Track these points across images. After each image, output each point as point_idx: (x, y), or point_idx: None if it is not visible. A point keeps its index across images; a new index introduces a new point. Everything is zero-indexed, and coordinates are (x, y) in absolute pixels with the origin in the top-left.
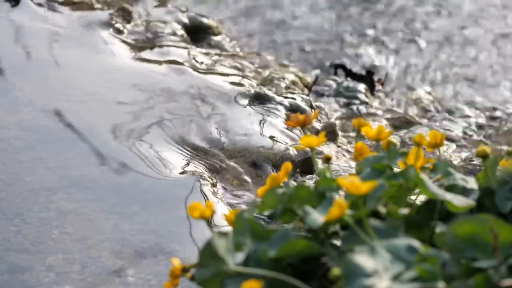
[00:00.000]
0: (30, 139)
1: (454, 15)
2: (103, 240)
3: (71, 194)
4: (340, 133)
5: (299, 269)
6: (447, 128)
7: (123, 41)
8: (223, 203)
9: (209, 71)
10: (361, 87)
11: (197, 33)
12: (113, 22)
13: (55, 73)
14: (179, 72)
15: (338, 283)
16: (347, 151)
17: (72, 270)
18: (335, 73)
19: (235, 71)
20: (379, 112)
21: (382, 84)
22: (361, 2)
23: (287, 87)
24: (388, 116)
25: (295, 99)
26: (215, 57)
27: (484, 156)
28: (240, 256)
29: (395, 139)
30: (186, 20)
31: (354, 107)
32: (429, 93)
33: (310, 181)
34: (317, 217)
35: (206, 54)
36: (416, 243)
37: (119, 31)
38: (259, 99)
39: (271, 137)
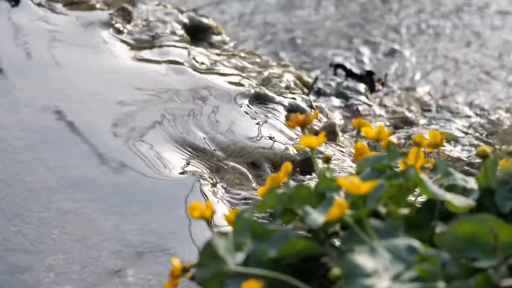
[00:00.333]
0: (30, 139)
1: (454, 14)
2: (103, 240)
3: (71, 194)
4: (340, 133)
5: (299, 269)
6: (447, 128)
7: (123, 41)
8: (223, 203)
9: (209, 71)
10: (361, 87)
11: (197, 33)
12: (113, 22)
13: (55, 73)
14: (179, 72)
15: (338, 283)
16: (348, 151)
17: (72, 270)
18: (335, 73)
19: (235, 71)
20: (379, 112)
21: (382, 84)
22: (361, 2)
23: (287, 87)
24: (388, 116)
25: (295, 99)
26: (215, 57)
27: (484, 156)
28: (240, 256)
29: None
30: (186, 20)
31: (354, 107)
32: (429, 93)
33: (310, 182)
34: (317, 217)
35: (206, 54)
36: (416, 243)
37: (119, 31)
38: (259, 99)
39: (271, 137)
